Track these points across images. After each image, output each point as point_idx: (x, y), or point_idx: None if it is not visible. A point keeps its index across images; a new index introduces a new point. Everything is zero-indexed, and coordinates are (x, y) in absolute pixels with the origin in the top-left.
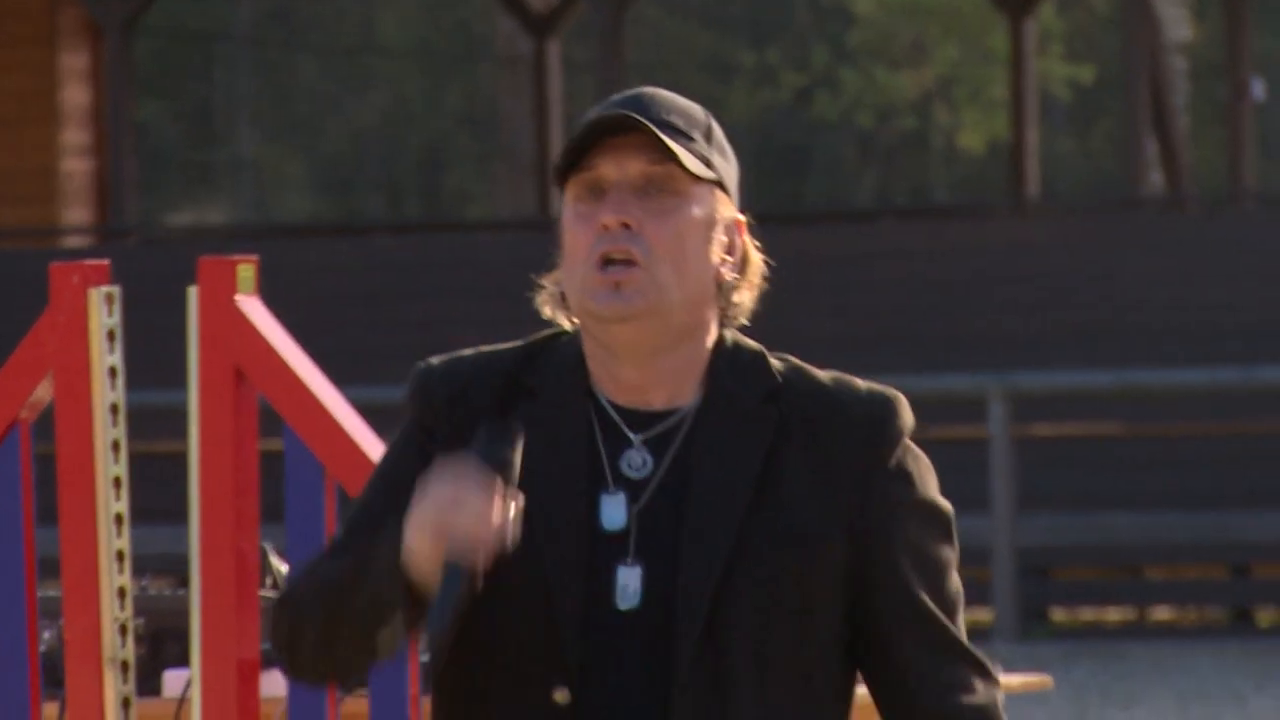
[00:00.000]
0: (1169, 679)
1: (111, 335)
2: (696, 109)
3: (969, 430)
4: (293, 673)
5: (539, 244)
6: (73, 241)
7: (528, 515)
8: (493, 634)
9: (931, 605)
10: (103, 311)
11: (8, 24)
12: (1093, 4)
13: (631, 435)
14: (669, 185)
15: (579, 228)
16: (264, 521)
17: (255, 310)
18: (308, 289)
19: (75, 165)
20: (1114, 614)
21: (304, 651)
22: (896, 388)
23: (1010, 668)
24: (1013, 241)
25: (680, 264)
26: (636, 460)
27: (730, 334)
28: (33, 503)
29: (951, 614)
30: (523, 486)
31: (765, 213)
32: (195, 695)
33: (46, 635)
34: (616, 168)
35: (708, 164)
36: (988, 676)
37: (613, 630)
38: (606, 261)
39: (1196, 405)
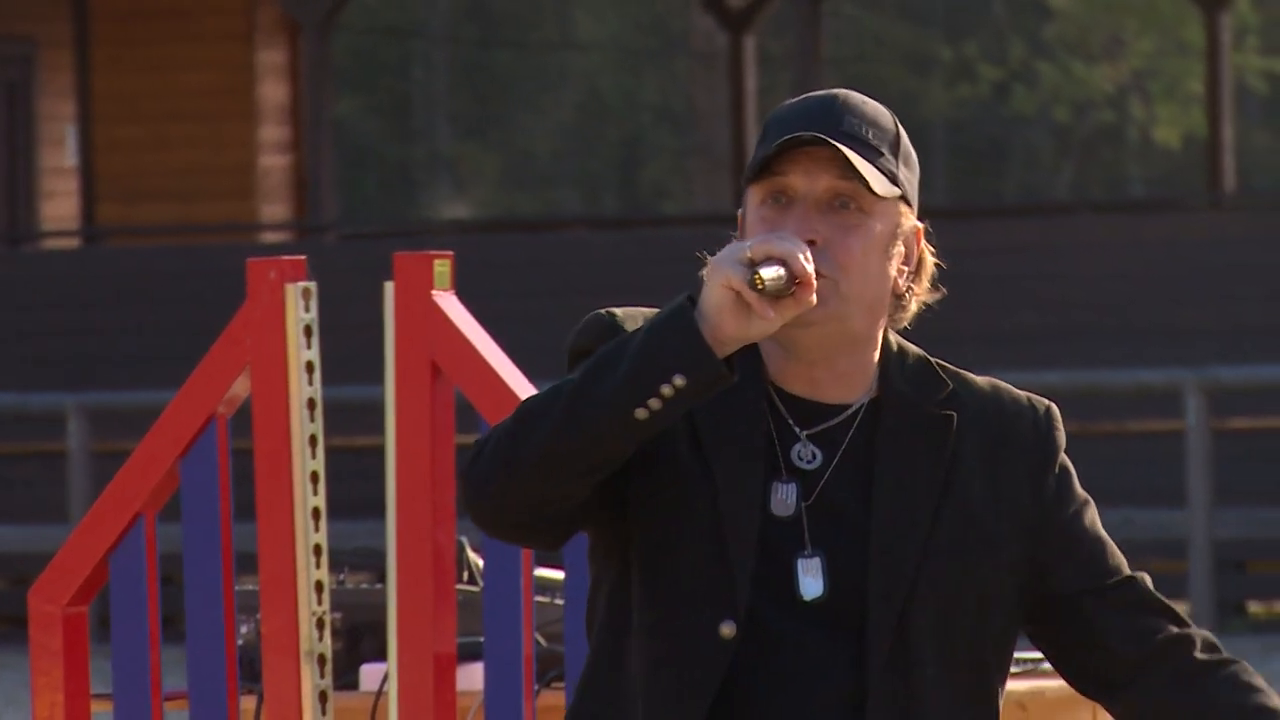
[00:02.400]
0: None
1: (308, 330)
2: (886, 117)
3: (1165, 424)
4: (498, 497)
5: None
6: (270, 237)
7: (702, 486)
8: (667, 577)
9: (1124, 570)
10: (300, 307)
11: (206, 20)
12: None
13: (798, 429)
14: (855, 202)
15: (763, 231)
16: (459, 516)
17: (451, 305)
18: (503, 284)
19: (273, 161)
20: None
21: (523, 463)
22: (1094, 381)
23: None
24: (1209, 235)
25: (862, 277)
26: (806, 453)
27: (894, 338)
28: (230, 498)
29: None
30: (699, 458)
31: (961, 207)
32: (392, 689)
33: (244, 630)
34: (806, 179)
35: (894, 179)
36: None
37: (786, 619)
38: None
39: None
